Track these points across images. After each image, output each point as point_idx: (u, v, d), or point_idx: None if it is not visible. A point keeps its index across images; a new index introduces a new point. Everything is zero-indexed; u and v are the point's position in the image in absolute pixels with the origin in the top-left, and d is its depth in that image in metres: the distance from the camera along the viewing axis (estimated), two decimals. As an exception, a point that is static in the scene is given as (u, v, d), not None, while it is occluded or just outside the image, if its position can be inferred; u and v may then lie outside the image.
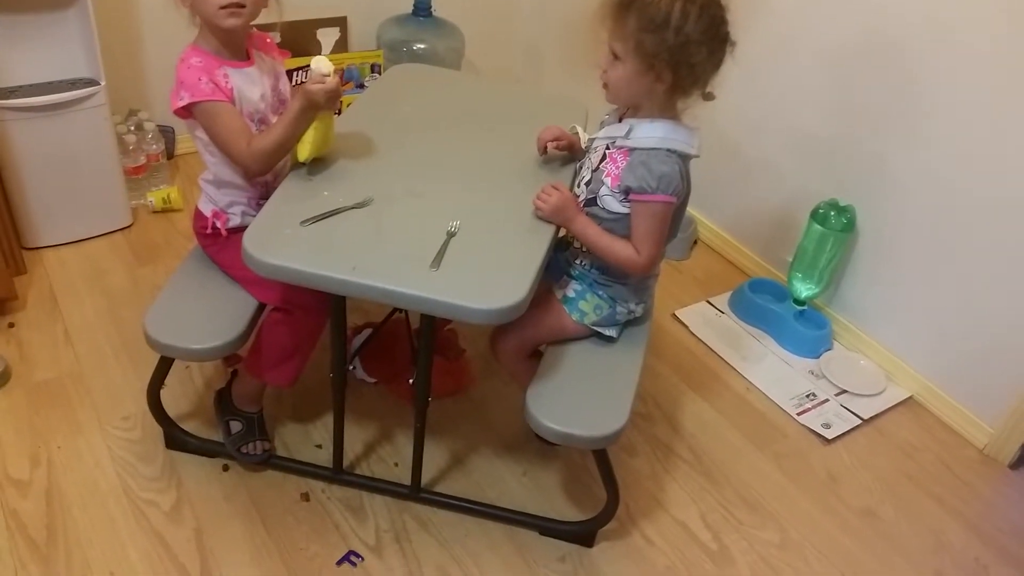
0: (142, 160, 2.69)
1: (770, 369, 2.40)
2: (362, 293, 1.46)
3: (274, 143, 1.61)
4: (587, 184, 1.66)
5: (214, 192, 1.76)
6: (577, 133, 1.82)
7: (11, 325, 2.22)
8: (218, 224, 1.76)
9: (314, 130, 1.62)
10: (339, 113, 1.74)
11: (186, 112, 1.62)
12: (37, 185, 2.38)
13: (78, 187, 2.44)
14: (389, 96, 2.07)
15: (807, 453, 2.15)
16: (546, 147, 1.82)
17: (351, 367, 2.10)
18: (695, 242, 2.89)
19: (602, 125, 1.71)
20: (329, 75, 1.55)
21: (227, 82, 1.62)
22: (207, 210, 1.77)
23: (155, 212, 2.69)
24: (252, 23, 1.65)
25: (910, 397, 2.35)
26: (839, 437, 2.20)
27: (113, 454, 1.91)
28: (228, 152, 1.64)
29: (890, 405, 2.32)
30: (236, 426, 1.87)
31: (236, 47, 1.67)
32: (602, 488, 1.76)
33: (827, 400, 2.31)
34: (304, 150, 1.64)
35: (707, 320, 2.56)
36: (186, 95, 1.59)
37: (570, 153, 1.85)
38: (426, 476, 1.89)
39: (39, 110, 2.27)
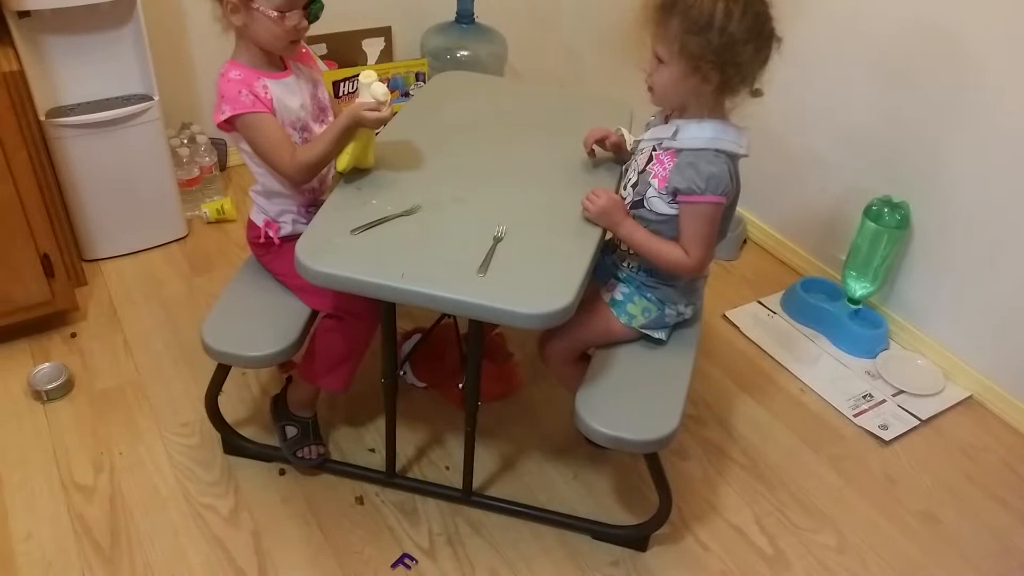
0: (195, 172, 2.75)
1: (825, 370, 2.36)
2: (411, 299, 1.48)
3: (317, 156, 1.64)
4: (633, 186, 1.65)
5: (264, 202, 1.79)
6: (622, 135, 1.81)
7: (73, 335, 2.29)
8: (270, 233, 1.79)
9: (355, 143, 1.65)
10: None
11: (229, 126, 1.66)
12: (95, 199, 2.45)
13: (134, 200, 2.51)
14: (434, 104, 2.08)
15: (864, 455, 2.11)
16: (592, 148, 1.82)
17: (401, 372, 2.12)
18: (744, 241, 2.86)
19: (647, 127, 1.70)
20: (386, 103, 1.58)
21: (267, 93, 1.65)
22: (259, 220, 1.81)
23: (209, 223, 2.75)
24: None
25: (970, 396, 2.29)
26: (897, 438, 2.16)
27: (173, 460, 1.96)
28: (271, 163, 1.67)
29: (949, 405, 2.26)
30: (291, 431, 1.90)
31: (274, 58, 1.70)
32: (654, 492, 1.75)
33: (884, 401, 2.26)
34: (343, 161, 1.67)
35: (759, 321, 2.52)
36: (227, 108, 1.62)
37: (616, 154, 1.84)
38: (477, 480, 1.90)
39: (96, 127, 2.34)
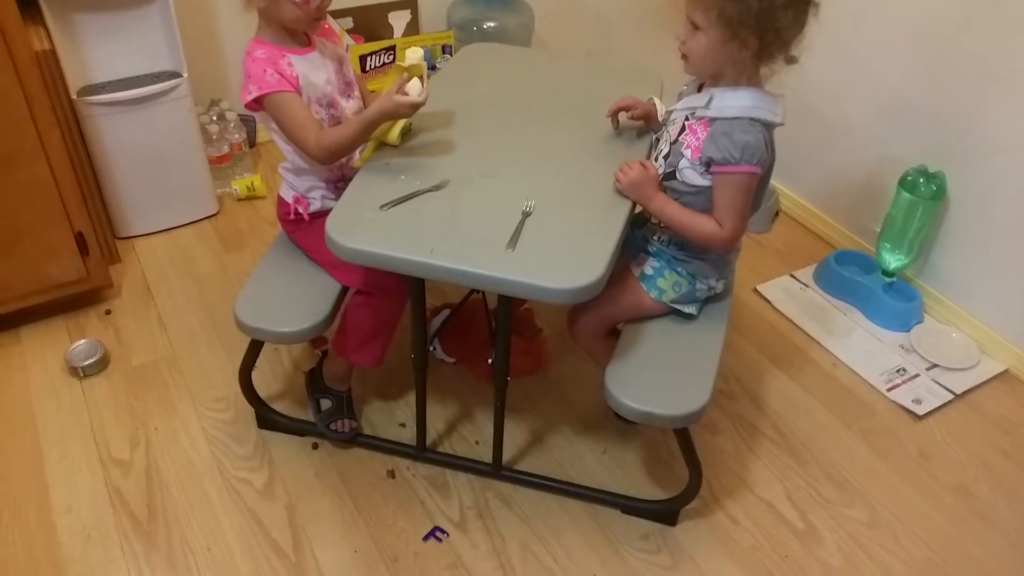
0: (225, 149, 2.76)
1: (858, 344, 2.33)
2: (440, 275, 1.48)
3: (344, 141, 1.64)
4: (665, 157, 1.63)
5: (293, 178, 1.80)
6: (655, 104, 1.79)
7: (108, 312, 2.32)
8: (300, 209, 1.80)
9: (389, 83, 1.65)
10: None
11: (256, 105, 1.65)
12: (126, 177, 2.48)
13: (165, 177, 2.53)
14: (461, 77, 2.07)
15: (897, 430, 2.09)
16: (616, 117, 1.80)
17: (431, 348, 2.13)
18: (777, 213, 2.82)
19: (680, 96, 1.68)
20: (422, 101, 1.59)
21: (292, 70, 1.64)
22: (288, 196, 1.82)
23: (240, 200, 2.77)
24: None
25: (1006, 370, 2.26)
26: (931, 413, 2.13)
27: (207, 434, 1.99)
28: (296, 142, 1.67)
29: (984, 379, 2.23)
30: (326, 404, 1.93)
31: (298, 34, 1.69)
32: (684, 467, 1.75)
33: (918, 375, 2.23)
34: (367, 152, 1.69)
35: (791, 294, 2.50)
36: (254, 88, 1.62)
37: (645, 124, 1.82)
38: (507, 454, 1.91)
39: (126, 104, 2.36)
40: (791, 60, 1.50)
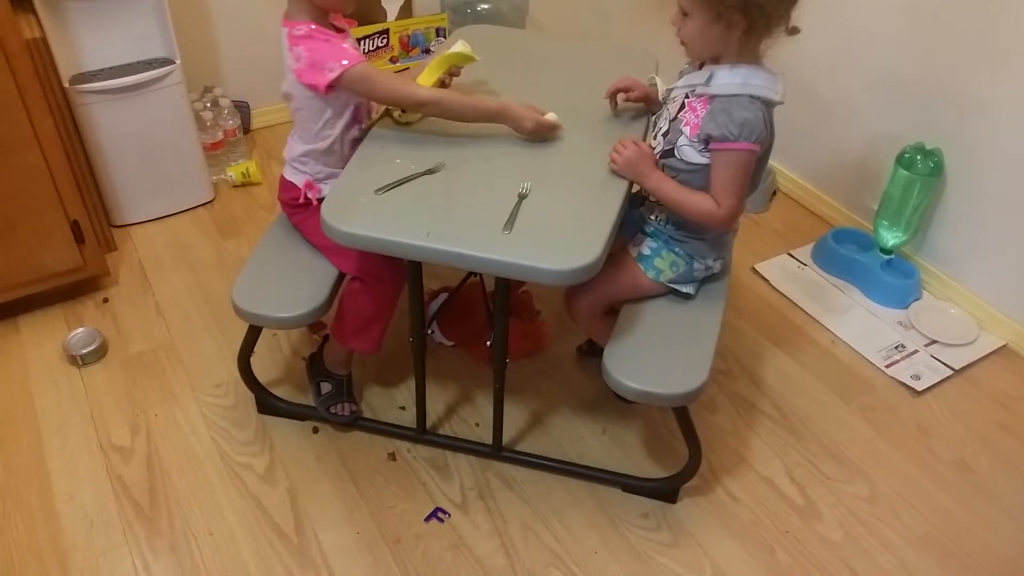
0: (220, 136, 2.75)
1: (857, 321, 2.34)
2: (437, 258, 1.47)
3: (456, 105, 1.66)
4: (664, 135, 1.63)
5: (312, 164, 1.76)
6: (655, 85, 1.78)
7: (105, 300, 2.32)
8: (309, 195, 1.78)
9: (438, 73, 1.72)
10: (447, 84, 1.79)
11: (331, 86, 1.60)
12: (121, 165, 2.47)
13: (160, 165, 2.52)
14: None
15: (896, 406, 2.10)
16: (614, 99, 1.79)
17: (429, 331, 2.13)
18: (774, 193, 2.82)
19: (681, 75, 1.67)
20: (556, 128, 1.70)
21: None
22: (299, 180, 1.78)
23: (235, 186, 2.76)
24: None
25: (1004, 345, 2.26)
26: (929, 389, 2.14)
27: (208, 420, 1.99)
28: (399, 96, 1.64)
29: (983, 354, 2.23)
30: (326, 387, 1.93)
31: (327, 20, 1.67)
32: (683, 445, 1.75)
33: (917, 351, 2.24)
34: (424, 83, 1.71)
35: (789, 273, 2.50)
36: (336, 65, 1.57)
37: (645, 104, 1.81)
38: (507, 435, 1.92)
39: (119, 92, 2.34)
40: (792, 31, 1.48)
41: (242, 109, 2.91)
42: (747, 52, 1.51)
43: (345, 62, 1.57)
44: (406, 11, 3.10)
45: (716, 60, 1.55)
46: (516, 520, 1.80)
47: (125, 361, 2.14)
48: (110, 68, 2.37)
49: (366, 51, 2.89)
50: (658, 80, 1.78)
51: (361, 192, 1.56)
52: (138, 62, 2.40)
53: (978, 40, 2.12)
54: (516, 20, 3.10)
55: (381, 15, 3.06)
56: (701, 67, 1.59)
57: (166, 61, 2.41)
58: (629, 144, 1.60)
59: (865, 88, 2.46)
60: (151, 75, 2.37)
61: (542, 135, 1.69)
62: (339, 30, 1.69)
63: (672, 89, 1.66)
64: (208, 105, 2.76)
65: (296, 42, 1.60)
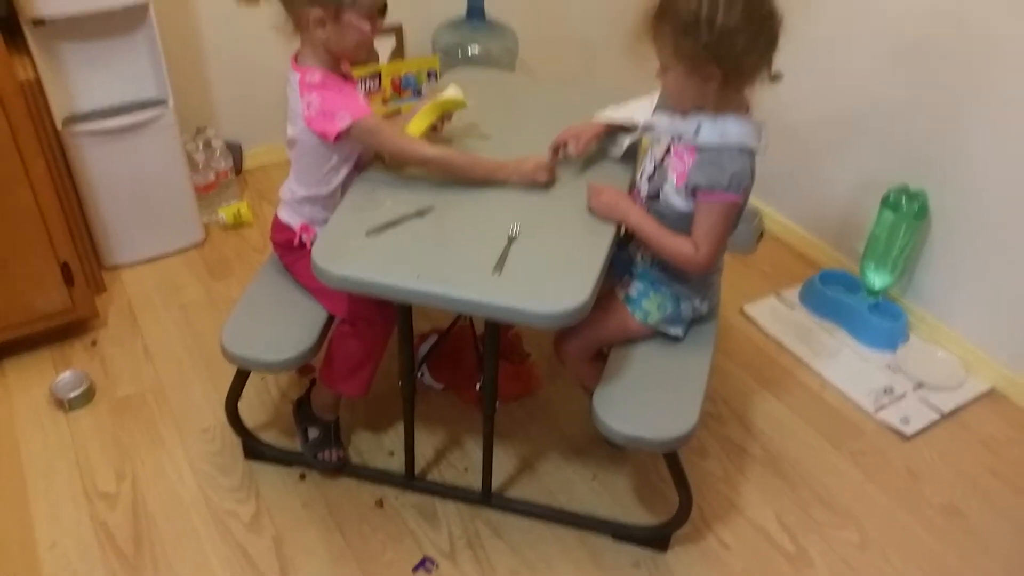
0: (212, 177, 2.76)
1: (845, 364, 2.34)
2: (427, 301, 1.48)
3: (455, 163, 1.69)
4: (649, 177, 1.64)
5: (309, 208, 1.77)
6: (604, 119, 1.79)
7: (94, 343, 2.31)
8: (304, 237, 1.78)
9: (431, 121, 1.73)
10: (439, 130, 1.81)
11: (340, 136, 1.61)
12: (112, 205, 2.47)
13: (151, 206, 2.52)
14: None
15: (886, 450, 2.10)
16: (556, 154, 1.77)
17: (419, 374, 2.12)
18: (761, 234, 2.84)
19: (658, 106, 1.68)
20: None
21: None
22: (294, 222, 1.79)
23: (226, 227, 2.76)
24: None
25: (992, 389, 2.27)
26: (919, 433, 2.14)
27: (194, 466, 1.97)
28: (403, 151, 1.67)
29: (971, 398, 2.24)
30: (314, 432, 1.92)
31: (339, 66, 1.69)
32: (674, 491, 1.74)
33: (905, 394, 2.24)
34: (416, 129, 1.73)
35: (777, 315, 2.51)
36: (347, 115, 1.59)
37: (598, 141, 1.81)
38: (496, 481, 1.90)
39: (112, 132, 2.35)
40: (775, 78, 1.50)
41: (234, 150, 2.92)
42: (727, 102, 1.53)
43: (356, 114, 1.60)
44: (398, 53, 3.14)
45: (700, 109, 1.57)
46: (505, 570, 1.78)
47: (112, 405, 2.12)
48: (103, 109, 2.38)
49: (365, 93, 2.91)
50: (612, 109, 1.79)
51: (351, 235, 1.56)
52: (131, 103, 2.41)
53: (961, 86, 2.16)
54: (507, 63, 3.14)
55: (373, 57, 3.09)
56: (684, 113, 1.61)
57: (159, 102, 2.43)
58: (601, 188, 1.64)
59: (850, 131, 2.50)
60: (144, 116, 2.39)
61: (537, 184, 1.70)
62: (347, 78, 1.71)
63: (655, 127, 1.66)
64: (200, 146, 2.77)
65: (309, 89, 1.62)
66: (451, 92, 1.76)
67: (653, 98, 1.74)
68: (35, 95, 2.17)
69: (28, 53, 2.21)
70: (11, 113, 1.93)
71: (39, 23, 2.18)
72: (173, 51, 2.48)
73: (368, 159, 1.78)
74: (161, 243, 2.62)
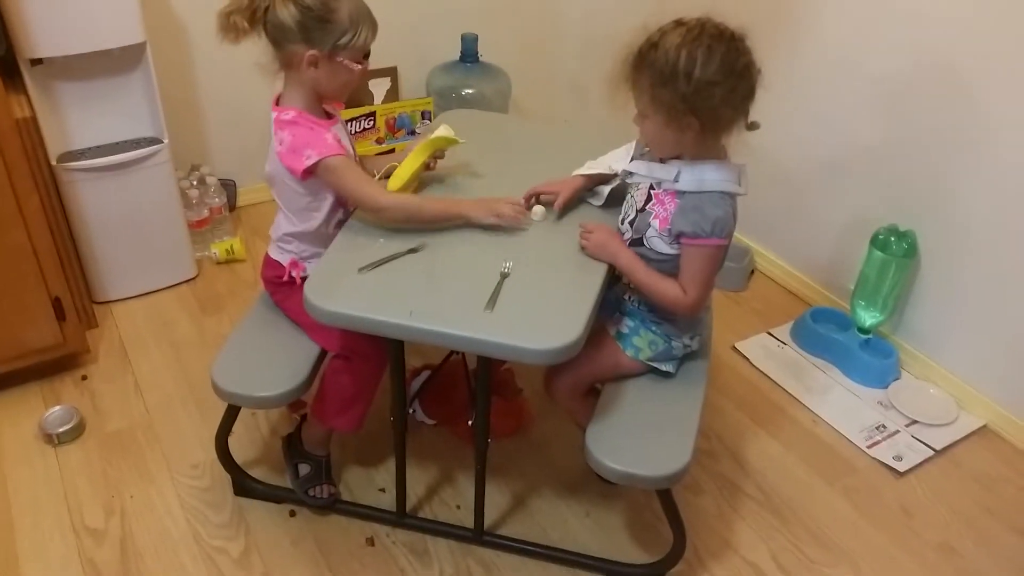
0: (205, 213, 2.77)
1: (837, 401, 2.34)
2: (419, 337, 1.48)
3: (422, 212, 1.69)
4: (631, 223, 1.65)
5: (297, 244, 1.78)
6: (583, 175, 1.81)
7: (84, 378, 2.29)
8: (294, 273, 1.79)
9: (412, 176, 1.74)
10: (432, 167, 1.83)
11: (308, 172, 1.63)
12: (106, 241, 2.47)
13: (145, 242, 2.53)
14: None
15: (879, 487, 2.09)
16: (529, 203, 1.77)
17: (411, 410, 2.11)
18: (752, 272, 2.86)
19: (641, 153, 1.70)
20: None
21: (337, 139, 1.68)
22: (284, 259, 1.80)
23: (219, 263, 2.77)
24: None
25: (984, 426, 2.27)
26: (912, 469, 2.13)
27: (183, 502, 1.95)
28: (361, 197, 1.66)
29: (964, 435, 2.24)
30: (304, 469, 1.90)
31: (321, 105, 1.72)
32: (668, 528, 1.73)
33: (898, 431, 2.24)
34: (395, 184, 1.73)
35: (769, 352, 2.51)
36: (314, 154, 1.60)
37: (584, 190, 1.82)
38: (488, 518, 1.89)
39: (106, 170, 2.37)
40: (752, 127, 1.52)
41: (228, 187, 2.94)
42: (706, 149, 1.55)
43: (323, 152, 1.61)
44: (393, 94, 3.18)
45: (679, 157, 1.59)
46: (497, 606, 1.76)
47: (102, 440, 2.11)
48: (98, 147, 2.40)
49: (353, 132, 2.94)
50: (591, 164, 1.80)
51: (344, 271, 1.57)
52: (126, 141, 2.43)
53: (945, 127, 2.20)
54: (500, 104, 3.18)
55: (368, 98, 3.13)
56: (663, 160, 1.62)
57: (154, 140, 2.45)
58: (594, 227, 1.65)
59: (839, 172, 2.53)
60: (139, 154, 2.40)
61: (509, 222, 1.69)
62: (329, 115, 1.73)
63: (634, 174, 1.67)
64: (195, 183, 2.79)
65: (282, 126, 1.65)
66: (443, 131, 1.78)
67: (630, 147, 1.76)
68: (31, 132, 2.19)
69: (25, 91, 2.23)
70: (7, 151, 1.95)
71: (36, 62, 2.20)
72: (169, 90, 2.50)
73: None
74: (153, 279, 2.62)
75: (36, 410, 2.15)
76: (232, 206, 2.99)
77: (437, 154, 1.81)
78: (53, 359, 2.24)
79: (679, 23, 1.47)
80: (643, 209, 1.63)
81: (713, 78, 1.43)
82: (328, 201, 1.72)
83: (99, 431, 2.13)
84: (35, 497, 1.95)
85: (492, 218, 1.67)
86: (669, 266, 1.61)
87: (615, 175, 1.78)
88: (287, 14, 1.56)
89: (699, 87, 1.43)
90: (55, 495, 1.95)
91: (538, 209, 1.74)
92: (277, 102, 1.69)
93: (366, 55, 1.66)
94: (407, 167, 1.73)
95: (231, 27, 1.58)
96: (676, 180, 1.56)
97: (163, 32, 2.53)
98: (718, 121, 1.49)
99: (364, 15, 1.61)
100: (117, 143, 2.42)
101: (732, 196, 1.56)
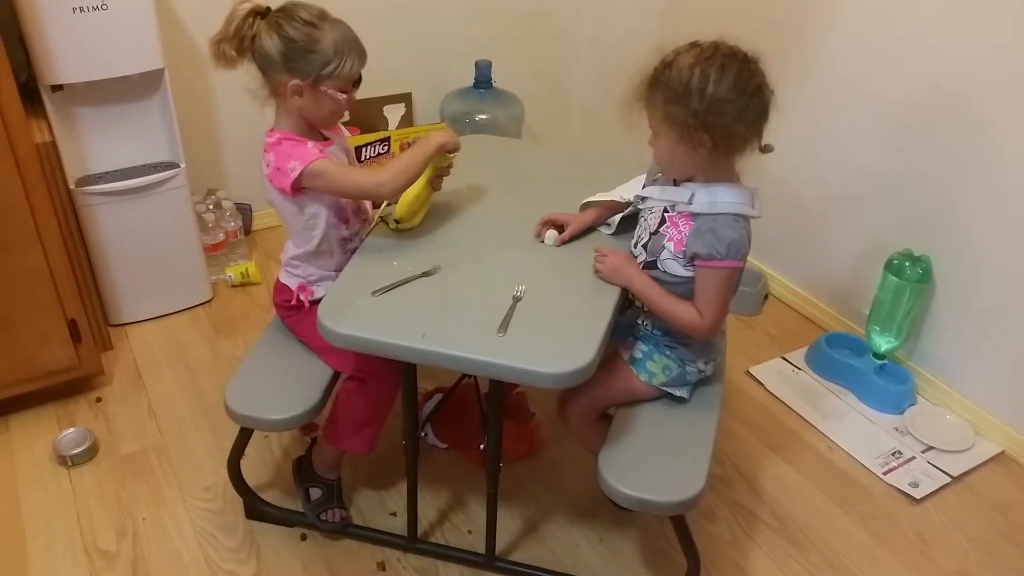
0: (221, 237, 2.80)
1: (853, 426, 2.32)
2: (432, 360, 1.48)
3: (402, 168, 1.67)
4: (644, 246, 1.65)
5: (304, 267, 1.79)
6: (593, 204, 1.81)
7: (98, 400, 2.31)
8: (302, 297, 1.80)
9: (420, 197, 1.73)
10: (437, 188, 1.83)
11: (296, 187, 1.64)
12: (122, 264, 2.50)
13: (160, 265, 2.55)
14: (454, 167, 2.11)
15: (895, 514, 2.07)
16: (543, 229, 1.78)
17: (423, 433, 2.11)
18: (766, 297, 2.85)
19: (652, 178, 1.70)
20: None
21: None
22: (292, 283, 1.81)
23: (234, 286, 2.79)
24: None
25: (1001, 452, 2.24)
26: (928, 496, 2.11)
27: (195, 525, 1.95)
28: (357, 188, 1.68)
29: (981, 461, 2.21)
30: (316, 493, 1.90)
31: (314, 131, 1.73)
32: (682, 555, 1.72)
33: (914, 458, 2.22)
34: (400, 210, 1.73)
35: (783, 377, 2.50)
36: (297, 164, 1.61)
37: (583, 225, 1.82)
38: (500, 543, 1.88)
39: (124, 194, 2.40)
40: (765, 149, 1.53)
41: (244, 211, 2.97)
42: (718, 169, 1.55)
43: (304, 160, 1.62)
44: (407, 120, 3.21)
45: (691, 177, 1.59)
46: (509, 632, 1.74)
47: (115, 462, 2.11)
48: (116, 171, 2.42)
49: (368, 157, 2.97)
50: (603, 195, 1.81)
51: (358, 294, 1.58)
52: (143, 165, 2.46)
53: (958, 152, 2.20)
54: (513, 130, 3.20)
55: (383, 123, 3.16)
56: (675, 181, 1.63)
57: (171, 165, 2.48)
58: (608, 251, 1.65)
59: (854, 197, 2.53)
60: (156, 178, 2.43)
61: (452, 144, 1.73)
62: (325, 138, 1.75)
63: (647, 199, 1.67)
64: (211, 207, 2.82)
65: (267, 149, 1.67)
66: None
67: (639, 180, 1.77)
68: (50, 157, 2.22)
69: (45, 116, 2.26)
70: (27, 175, 1.97)
71: (57, 88, 2.24)
72: (186, 115, 2.53)
73: (354, 213, 1.79)
74: (168, 301, 2.64)
75: (50, 432, 2.16)
76: (247, 230, 3.02)
77: (440, 172, 1.80)
78: (68, 381, 2.26)
79: (693, 44, 1.49)
80: (657, 232, 1.63)
81: (726, 96, 1.44)
82: (322, 217, 1.72)
83: (112, 453, 2.14)
84: (48, 518, 1.95)
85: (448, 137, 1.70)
86: (683, 289, 1.60)
87: (627, 204, 1.79)
88: (271, 44, 1.59)
89: (711, 104, 1.44)
90: (68, 517, 1.96)
91: (551, 234, 1.75)
92: (270, 130, 1.72)
93: (356, 83, 1.68)
94: (412, 191, 1.73)
95: (221, 55, 1.62)
96: (690, 202, 1.56)
97: (181, 58, 2.57)
98: (731, 139, 1.49)
99: (350, 44, 1.62)
100: (134, 167, 2.45)
101: (746, 219, 1.56)
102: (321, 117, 1.69)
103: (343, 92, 1.64)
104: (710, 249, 1.52)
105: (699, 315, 1.58)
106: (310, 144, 1.65)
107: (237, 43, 1.60)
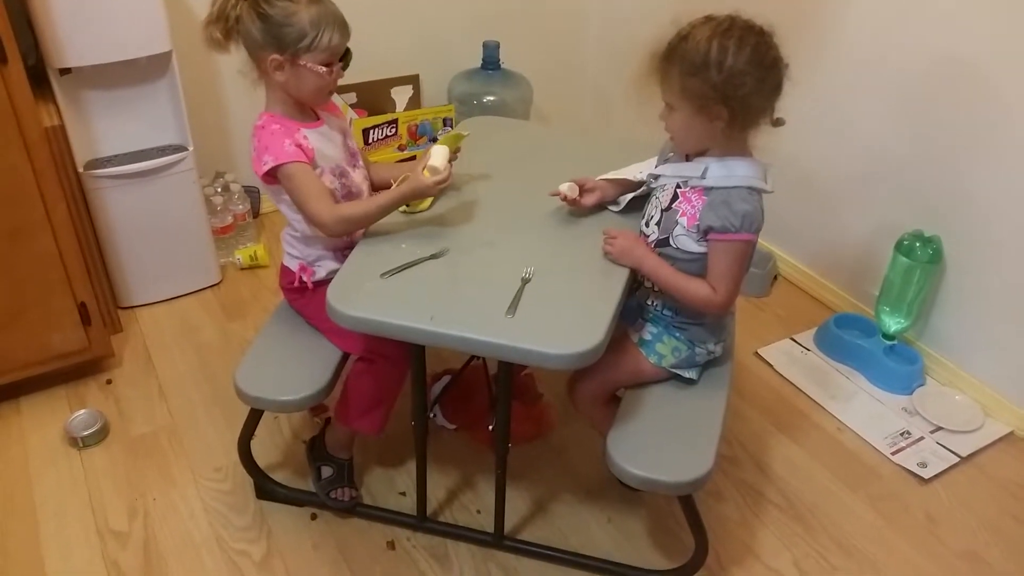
0: (229, 220, 2.80)
1: (861, 407, 2.32)
2: (440, 342, 1.49)
3: (362, 215, 1.67)
4: (657, 223, 1.65)
5: (302, 248, 1.81)
6: (609, 180, 1.81)
7: (109, 382, 2.32)
8: (304, 278, 1.81)
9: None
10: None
11: (270, 177, 1.68)
12: (131, 247, 2.51)
13: (169, 248, 2.56)
14: (462, 149, 2.11)
15: (903, 494, 2.07)
16: (564, 196, 1.76)
17: (431, 414, 2.12)
18: (775, 278, 2.84)
19: (665, 159, 1.70)
20: (446, 176, 1.63)
21: (307, 143, 1.68)
22: (293, 265, 1.83)
23: (242, 269, 2.79)
24: None
25: (1011, 432, 2.24)
26: (937, 476, 2.11)
27: (206, 505, 1.96)
28: (309, 212, 1.67)
29: (990, 441, 2.21)
30: (327, 471, 1.91)
31: (306, 109, 1.74)
32: (690, 535, 1.72)
33: (923, 438, 2.22)
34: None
35: (792, 358, 2.50)
36: (270, 159, 1.64)
37: (604, 197, 1.81)
38: (509, 523, 1.89)
39: (132, 177, 2.40)
40: (777, 123, 1.52)
41: (252, 194, 2.97)
42: (733, 143, 1.55)
43: (279, 158, 1.63)
44: (415, 102, 3.20)
45: (704, 152, 1.58)
46: (518, 611, 1.76)
47: (126, 444, 2.13)
48: (124, 154, 2.43)
49: (374, 140, 2.96)
50: (617, 174, 1.80)
51: (367, 276, 1.58)
52: (152, 148, 2.46)
53: (970, 131, 2.18)
54: (521, 111, 3.18)
55: (390, 105, 3.15)
56: (688, 158, 1.63)
57: (179, 148, 2.48)
58: (617, 232, 1.64)
59: (863, 175, 2.51)
60: (164, 161, 2.43)
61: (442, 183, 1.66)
62: (316, 117, 1.75)
63: (659, 176, 1.67)
64: (219, 190, 2.82)
65: (253, 133, 1.69)
66: (453, 132, 1.78)
67: (651, 161, 1.76)
68: (59, 141, 2.22)
69: (54, 100, 2.26)
70: (36, 159, 1.98)
71: (65, 71, 2.24)
72: (194, 98, 2.53)
73: (347, 197, 1.78)
74: (178, 284, 2.65)
75: (61, 414, 2.18)
76: (256, 213, 3.02)
77: (450, 156, 1.79)
78: (78, 363, 2.27)
79: (709, 18, 1.49)
80: (669, 208, 1.62)
81: (744, 68, 1.44)
82: None
83: (123, 435, 2.15)
84: (60, 500, 1.97)
85: (431, 183, 1.63)
86: (696, 266, 1.60)
87: (639, 184, 1.78)
88: (251, 22, 1.60)
89: (730, 76, 1.44)
90: (80, 498, 1.98)
91: (570, 186, 1.73)
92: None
93: (342, 58, 1.67)
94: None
95: (210, 38, 1.64)
96: (704, 176, 1.56)
97: (189, 41, 2.54)
98: (747, 112, 1.49)
99: (328, 18, 1.61)
100: (143, 150, 2.45)
101: (760, 192, 1.55)
102: (307, 93, 1.68)
103: (326, 65, 1.64)
104: (724, 222, 1.52)
105: (712, 290, 1.57)
106: (288, 140, 1.65)
107: (223, 25, 1.62)
